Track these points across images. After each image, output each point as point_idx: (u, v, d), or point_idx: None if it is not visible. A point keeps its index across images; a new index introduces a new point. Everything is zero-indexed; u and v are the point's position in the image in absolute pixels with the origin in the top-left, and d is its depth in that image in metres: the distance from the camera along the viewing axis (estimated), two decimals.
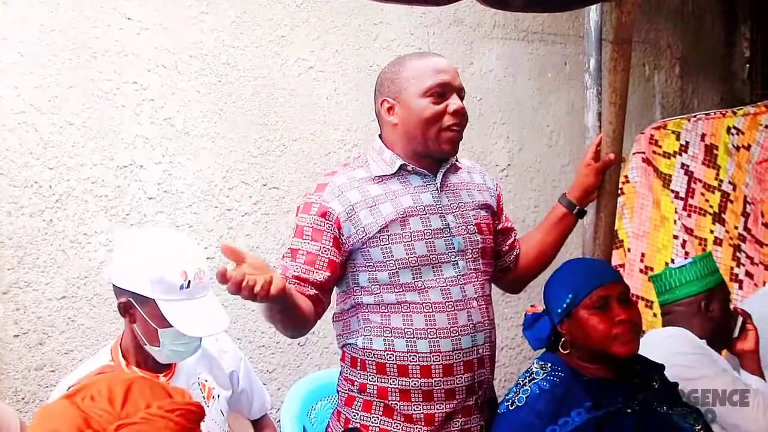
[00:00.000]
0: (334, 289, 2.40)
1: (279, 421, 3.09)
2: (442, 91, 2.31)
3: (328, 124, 3.51)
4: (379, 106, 2.40)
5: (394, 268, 2.27)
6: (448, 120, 2.31)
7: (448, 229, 2.34)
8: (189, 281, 2.35)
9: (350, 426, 2.35)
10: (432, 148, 2.34)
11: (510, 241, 2.62)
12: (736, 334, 2.83)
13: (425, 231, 2.30)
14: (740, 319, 2.83)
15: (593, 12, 2.94)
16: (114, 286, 2.41)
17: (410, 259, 2.27)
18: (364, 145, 3.52)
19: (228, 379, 2.66)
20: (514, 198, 4.06)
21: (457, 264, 2.33)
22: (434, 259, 2.30)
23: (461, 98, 2.35)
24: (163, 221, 3.12)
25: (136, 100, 3.07)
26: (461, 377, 2.30)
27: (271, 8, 3.36)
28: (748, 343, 2.78)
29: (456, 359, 2.29)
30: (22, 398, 2.87)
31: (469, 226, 2.39)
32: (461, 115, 2.32)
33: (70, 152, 2.94)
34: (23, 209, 2.86)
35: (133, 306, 2.37)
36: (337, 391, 2.44)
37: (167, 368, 2.49)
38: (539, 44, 4.20)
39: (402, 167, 2.35)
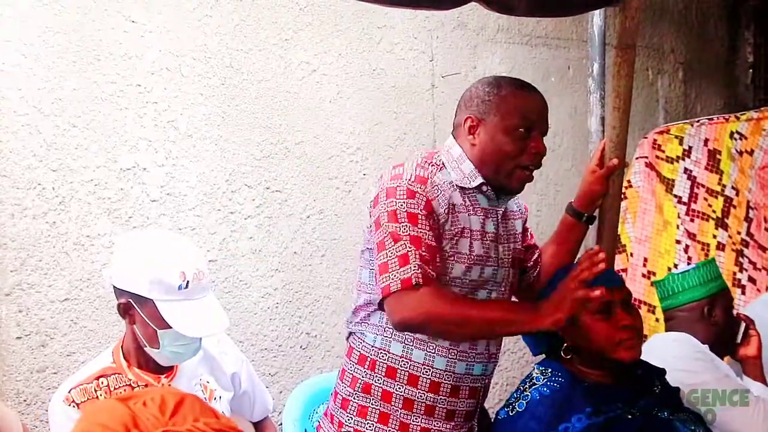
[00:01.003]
0: (363, 275, 2.34)
1: (281, 424, 3.09)
2: (528, 129, 2.27)
3: (332, 127, 3.51)
4: (462, 118, 2.33)
5: (445, 283, 2.23)
6: (525, 159, 2.28)
7: (497, 259, 2.34)
8: (187, 282, 2.35)
9: (342, 430, 2.35)
10: (502, 181, 2.30)
11: (534, 258, 2.61)
12: (739, 340, 2.83)
13: (483, 257, 2.29)
14: (743, 325, 2.83)
15: (597, 17, 2.95)
16: (114, 287, 2.42)
17: (463, 279, 2.26)
18: (372, 147, 3.54)
19: (230, 381, 2.67)
20: None
21: (491, 293, 2.33)
22: (478, 285, 2.30)
23: (545, 134, 2.33)
24: (166, 224, 3.12)
25: (139, 102, 3.07)
26: (465, 401, 2.33)
27: (275, 11, 3.36)
28: (751, 349, 2.78)
29: (464, 383, 2.31)
30: (24, 400, 2.86)
31: (509, 259, 2.40)
32: (541, 157, 2.30)
33: (74, 154, 2.95)
34: (26, 211, 2.86)
35: (132, 307, 2.37)
36: (333, 392, 2.42)
37: (169, 370, 2.49)
38: (543, 48, 4.20)
39: (479, 186, 2.30)
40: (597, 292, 2.04)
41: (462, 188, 2.29)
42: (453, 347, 2.28)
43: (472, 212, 2.29)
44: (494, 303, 2.29)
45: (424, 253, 2.14)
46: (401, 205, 2.18)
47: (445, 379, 2.29)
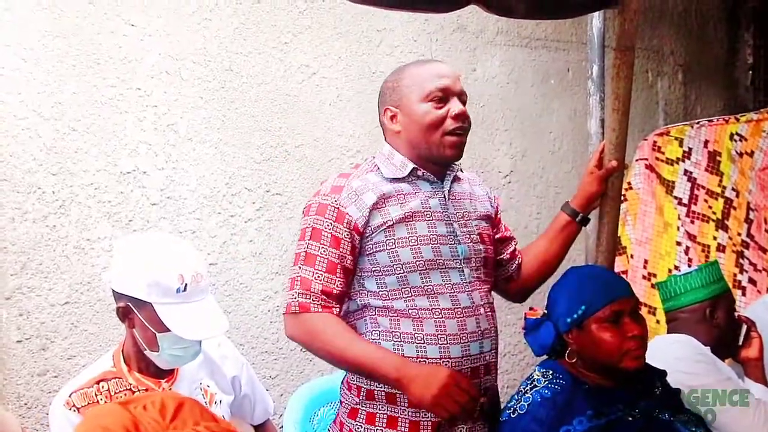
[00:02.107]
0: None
1: (282, 427, 3.09)
2: (443, 96, 2.32)
3: (331, 130, 3.52)
4: (382, 115, 2.42)
5: (402, 271, 2.27)
6: (450, 124, 2.31)
7: (454, 236, 2.34)
8: (186, 284, 2.35)
9: None
10: (436, 153, 2.34)
11: (510, 250, 2.62)
12: (740, 342, 2.83)
13: (431, 236, 2.30)
14: (745, 327, 2.83)
15: (596, 19, 2.95)
16: (113, 291, 2.42)
17: (417, 262, 2.27)
18: (372, 150, 3.54)
19: (230, 385, 2.66)
20: (516, 204, 4.06)
21: (463, 271, 2.33)
22: (441, 264, 2.29)
23: (463, 102, 2.36)
24: (166, 227, 3.13)
25: (139, 106, 3.07)
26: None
27: (275, 15, 3.36)
28: (753, 351, 2.78)
29: (465, 365, 2.28)
30: (25, 404, 2.86)
31: (472, 236, 2.39)
32: (463, 119, 2.33)
33: (74, 158, 2.95)
34: (26, 215, 2.87)
35: (131, 310, 2.37)
36: (340, 401, 2.42)
37: (169, 374, 2.49)
38: (542, 51, 4.20)
39: (412, 171, 2.35)
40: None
41: (398, 179, 2.34)
42: (441, 332, 2.26)
43: (411, 198, 2.32)
44: (370, 351, 2.23)
45: (317, 271, 2.25)
46: (310, 222, 2.30)
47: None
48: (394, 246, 2.27)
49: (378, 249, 2.28)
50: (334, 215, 2.27)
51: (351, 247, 2.27)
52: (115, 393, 2.40)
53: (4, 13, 2.82)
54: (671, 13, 4.82)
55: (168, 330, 2.33)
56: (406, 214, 2.29)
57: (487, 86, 3.98)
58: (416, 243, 2.28)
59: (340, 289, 2.27)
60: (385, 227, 2.27)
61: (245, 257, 3.31)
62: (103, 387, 2.41)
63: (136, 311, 2.36)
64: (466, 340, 2.29)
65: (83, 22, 2.96)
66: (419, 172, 2.36)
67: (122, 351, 2.49)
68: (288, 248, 3.39)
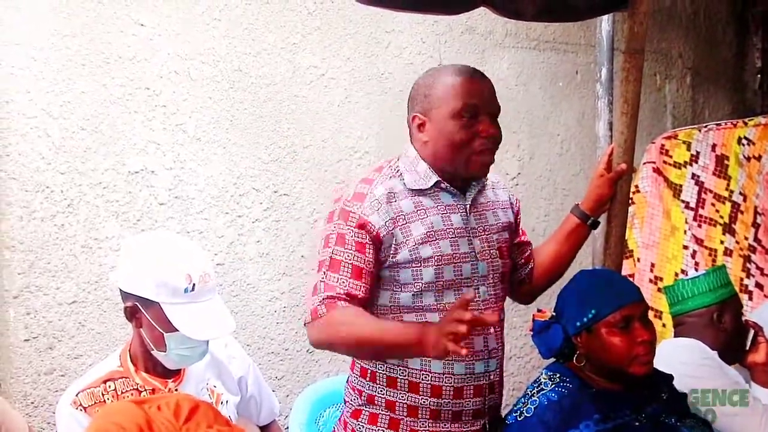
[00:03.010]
0: None
1: (287, 428, 3.10)
2: (474, 113, 2.25)
3: (339, 131, 3.52)
4: (410, 120, 2.34)
5: (420, 290, 2.23)
6: (479, 144, 2.25)
7: (473, 254, 2.30)
8: (194, 284, 2.36)
9: None
10: (462, 172, 2.29)
11: (526, 255, 2.61)
12: (747, 346, 2.82)
13: (454, 255, 2.26)
14: (752, 332, 2.82)
15: (605, 21, 2.94)
16: (120, 290, 2.42)
17: (438, 283, 2.24)
18: (380, 151, 3.54)
19: (236, 385, 2.67)
20: (524, 207, 3.99)
21: (478, 289, 2.31)
22: (459, 283, 2.27)
23: (495, 116, 2.30)
24: (174, 227, 3.13)
25: (148, 105, 3.07)
26: (470, 401, 2.29)
27: (284, 15, 3.36)
28: (760, 356, 2.76)
29: (467, 383, 2.28)
30: (32, 402, 2.87)
31: (492, 251, 2.35)
32: (493, 139, 2.27)
33: (82, 157, 2.95)
34: (34, 214, 2.87)
35: (139, 310, 2.38)
36: (344, 401, 2.42)
37: (176, 374, 2.49)
38: (551, 53, 4.19)
39: (436, 183, 2.29)
40: (464, 351, 1.97)
41: (419, 191, 2.29)
42: None
43: (433, 213, 2.27)
44: (389, 326, 2.20)
45: (342, 276, 2.19)
46: (333, 228, 2.24)
47: (445, 382, 2.26)
48: (419, 265, 2.22)
49: (402, 266, 2.23)
50: (356, 222, 2.21)
51: (375, 251, 2.22)
52: (122, 393, 2.41)
53: (13, 13, 2.83)
54: (680, 16, 4.81)
55: (176, 330, 2.33)
56: (429, 232, 2.24)
57: (495, 88, 3.97)
58: (440, 263, 2.23)
59: (363, 294, 2.21)
60: (407, 246, 2.22)
61: (252, 258, 3.31)
62: (109, 386, 2.41)
63: (143, 311, 2.36)
64: (471, 359, 2.28)
65: (93, 21, 2.96)
66: (442, 185, 2.30)
67: (129, 350, 2.49)
68: (295, 249, 3.39)
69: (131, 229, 3.04)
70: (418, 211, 2.26)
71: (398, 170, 2.32)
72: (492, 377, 2.34)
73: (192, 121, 3.17)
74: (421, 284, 2.23)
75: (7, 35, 2.82)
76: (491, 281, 2.34)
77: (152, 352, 2.41)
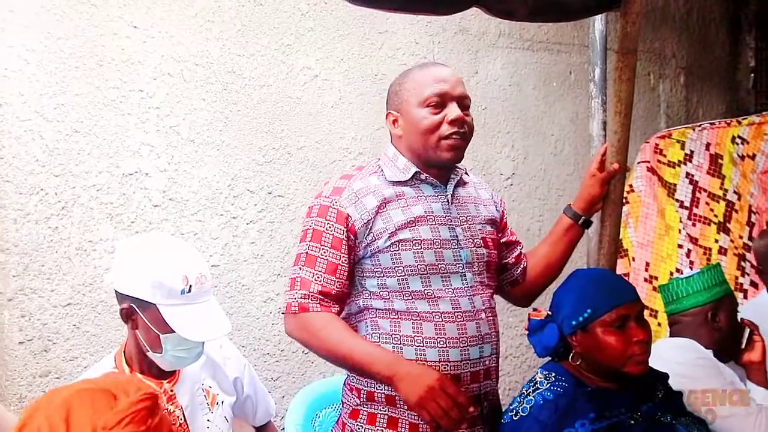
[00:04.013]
0: None
1: (283, 428, 3.09)
2: (441, 101, 2.32)
3: (333, 132, 3.52)
4: (385, 118, 2.44)
5: (403, 274, 2.27)
6: (446, 129, 2.31)
7: (456, 241, 2.34)
8: (190, 286, 2.35)
9: None
10: (433, 157, 2.34)
11: (516, 254, 2.62)
12: (743, 345, 2.82)
13: (434, 240, 2.30)
14: (747, 331, 2.83)
15: (598, 21, 2.95)
16: (116, 292, 2.42)
17: (419, 266, 2.27)
18: (374, 152, 3.54)
19: (232, 386, 2.66)
20: (518, 207, 4.06)
21: (465, 276, 2.33)
22: (443, 268, 2.30)
23: (465, 107, 2.36)
24: (168, 229, 3.13)
25: (141, 108, 3.07)
26: (468, 387, 2.30)
27: (277, 17, 3.37)
28: (755, 355, 2.77)
29: (464, 369, 2.29)
30: (27, 405, 2.87)
31: (475, 240, 2.39)
32: (460, 123, 2.32)
33: (76, 160, 2.95)
34: (29, 216, 2.87)
35: (135, 312, 2.37)
36: (342, 402, 2.43)
37: (171, 375, 2.49)
38: (544, 53, 4.20)
39: (415, 175, 2.36)
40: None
41: (400, 183, 2.36)
42: (440, 336, 2.26)
43: (413, 202, 2.33)
44: (365, 349, 2.24)
45: (317, 272, 2.28)
46: (311, 224, 2.33)
47: (442, 370, 2.25)
48: (397, 249, 2.27)
49: (380, 251, 2.28)
50: (335, 216, 2.29)
51: (350, 247, 2.29)
52: None
53: (7, 15, 2.83)
54: (673, 15, 4.83)
55: (172, 331, 2.33)
56: (409, 218, 2.30)
57: (489, 89, 3.99)
58: (419, 247, 2.28)
59: (338, 289, 2.28)
60: (388, 232, 2.27)
61: (247, 259, 3.31)
62: None
63: (139, 312, 2.35)
64: (466, 345, 2.29)
65: (86, 24, 2.96)
66: (422, 176, 2.37)
67: (124, 352, 2.49)
68: (289, 250, 3.39)
69: (125, 231, 3.04)
70: (399, 200, 2.33)
71: (378, 167, 2.41)
72: (488, 362, 2.35)
73: (186, 123, 3.17)
74: (402, 269, 2.27)
75: (0, 37, 2.82)
76: (476, 269, 2.37)
77: (148, 353, 2.41)
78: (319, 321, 2.26)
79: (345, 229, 2.28)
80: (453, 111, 2.32)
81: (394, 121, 2.40)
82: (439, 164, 2.37)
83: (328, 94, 3.50)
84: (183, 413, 2.45)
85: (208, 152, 3.22)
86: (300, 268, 2.31)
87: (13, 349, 2.85)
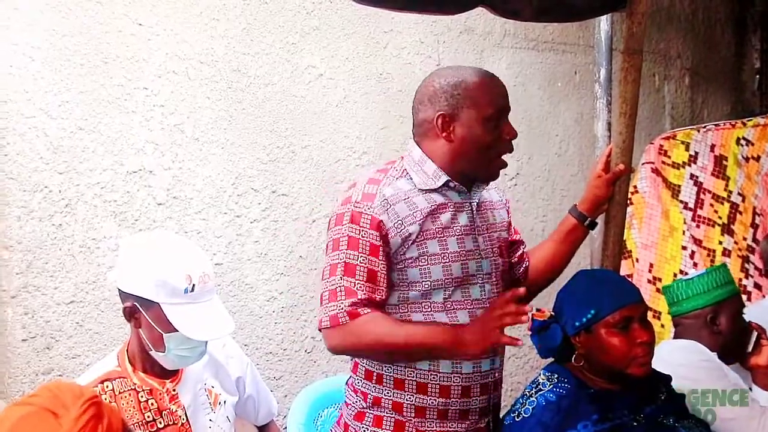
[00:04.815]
0: None
1: (285, 428, 3.10)
2: (500, 116, 2.28)
3: (338, 131, 3.52)
4: (430, 117, 2.30)
5: (429, 288, 2.24)
6: (503, 147, 2.29)
7: (478, 251, 2.31)
8: (193, 285, 2.35)
9: None
10: (482, 173, 2.31)
11: (519, 253, 2.60)
12: (750, 348, 2.80)
13: (460, 252, 2.26)
14: (755, 334, 2.80)
15: (604, 22, 2.95)
16: (119, 290, 2.41)
17: (446, 280, 2.24)
18: (378, 151, 3.54)
19: (234, 385, 2.66)
20: (522, 207, 4.05)
21: (484, 287, 2.31)
22: (465, 280, 2.27)
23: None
24: (172, 227, 3.13)
25: (146, 105, 3.07)
26: (477, 399, 2.29)
27: (282, 15, 3.36)
28: (762, 359, 2.73)
29: (474, 381, 2.28)
30: None
31: (494, 249, 2.37)
32: (514, 138, 2.32)
33: (80, 157, 2.95)
34: (32, 214, 2.87)
35: (138, 310, 2.37)
36: (345, 402, 2.41)
37: (174, 374, 2.49)
38: (549, 53, 4.20)
39: (445, 183, 2.29)
40: (519, 343, 2.12)
41: (427, 190, 2.28)
42: None
43: (443, 211, 2.27)
44: (422, 328, 2.23)
45: (358, 281, 2.19)
46: (344, 231, 2.22)
47: (454, 382, 2.26)
48: (426, 263, 2.23)
49: (409, 264, 2.23)
50: (368, 223, 2.20)
51: (387, 254, 2.22)
52: (120, 393, 2.40)
53: (12, 12, 2.82)
54: (679, 16, 4.82)
55: (175, 330, 2.33)
56: (437, 228, 2.25)
57: None
58: (447, 260, 2.24)
59: (381, 297, 2.22)
60: (417, 242, 2.22)
61: (251, 258, 3.31)
62: (107, 387, 2.40)
63: (143, 311, 2.35)
64: (479, 357, 2.28)
65: (91, 21, 2.96)
66: (451, 184, 2.29)
67: (127, 351, 2.49)
68: (293, 249, 3.39)
69: (129, 229, 3.04)
70: (430, 208, 2.25)
71: (404, 170, 2.31)
72: (496, 374, 2.35)
73: (190, 121, 3.17)
74: (429, 282, 2.23)
75: (4, 35, 2.82)
76: (494, 279, 2.35)
77: (151, 352, 2.41)
78: (371, 319, 2.19)
79: (379, 236, 2.20)
80: (509, 128, 2.29)
81: (445, 124, 2.27)
82: (482, 180, 2.34)
83: (332, 93, 3.50)
84: (185, 413, 2.45)
85: (212, 150, 3.22)
86: (341, 278, 2.20)
87: (16, 346, 2.85)
